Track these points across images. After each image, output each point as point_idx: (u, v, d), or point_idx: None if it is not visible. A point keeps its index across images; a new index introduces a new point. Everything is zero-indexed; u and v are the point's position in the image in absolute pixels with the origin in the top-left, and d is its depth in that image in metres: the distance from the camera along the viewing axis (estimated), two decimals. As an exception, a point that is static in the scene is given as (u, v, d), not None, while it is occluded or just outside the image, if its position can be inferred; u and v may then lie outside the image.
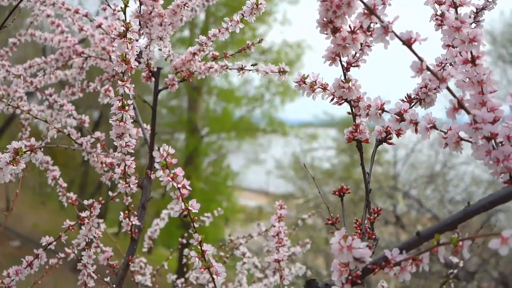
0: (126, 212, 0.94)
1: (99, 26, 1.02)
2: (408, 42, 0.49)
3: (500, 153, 0.49)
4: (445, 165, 7.31)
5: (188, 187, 0.61)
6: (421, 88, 0.66)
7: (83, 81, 1.19)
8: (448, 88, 0.50)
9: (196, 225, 0.64)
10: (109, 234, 1.31)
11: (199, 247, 0.63)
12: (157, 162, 0.59)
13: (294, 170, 10.70)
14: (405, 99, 0.67)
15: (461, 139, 0.53)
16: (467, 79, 0.53)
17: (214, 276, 0.63)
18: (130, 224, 0.95)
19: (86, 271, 0.91)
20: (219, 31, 0.90)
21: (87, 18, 1.08)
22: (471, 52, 0.52)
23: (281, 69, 0.83)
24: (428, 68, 0.49)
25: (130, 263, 0.97)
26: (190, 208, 0.62)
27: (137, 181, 0.89)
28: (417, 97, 0.66)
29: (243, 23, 0.88)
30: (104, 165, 1.00)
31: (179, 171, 0.61)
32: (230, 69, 0.95)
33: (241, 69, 0.94)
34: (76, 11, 1.07)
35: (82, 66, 1.17)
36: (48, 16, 1.18)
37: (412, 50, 0.49)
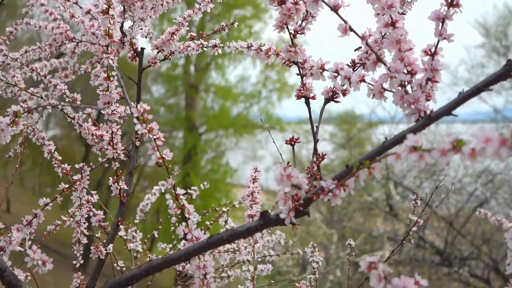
0: (115, 177, 1.05)
1: (88, 12, 1.13)
2: (335, 8, 0.60)
3: (411, 97, 0.60)
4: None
5: (162, 139, 0.72)
6: (363, 53, 0.77)
7: (75, 64, 1.30)
8: (368, 45, 0.61)
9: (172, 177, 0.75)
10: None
11: (173, 191, 0.74)
12: (135, 117, 0.70)
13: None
14: (350, 64, 0.78)
15: (384, 89, 0.64)
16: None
17: (187, 215, 0.74)
18: (119, 188, 1.05)
19: (80, 228, 1.02)
20: (193, 12, 1.01)
21: (77, 5, 1.19)
22: (390, 16, 0.63)
23: (249, 45, 0.93)
24: (351, 29, 0.60)
25: (119, 224, 1.08)
26: (164, 156, 0.72)
27: (123, 147, 1.00)
28: (360, 61, 0.77)
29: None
30: (94, 137, 1.11)
31: (155, 125, 0.72)
32: (205, 47, 1.06)
33: (214, 46, 1.05)
34: (67, -1, 1.18)
35: (73, 51, 1.27)
36: (42, 5, 1.29)
37: (338, 14, 0.60)
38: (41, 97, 1.08)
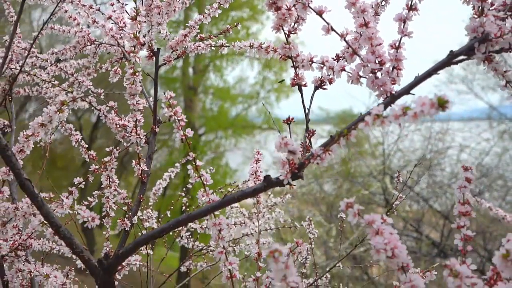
0: (137, 159, 1.22)
1: (109, 17, 1.30)
2: (319, 13, 0.77)
3: (380, 82, 0.78)
4: (436, 152, 7.62)
5: (185, 120, 0.89)
6: (345, 48, 0.94)
7: (96, 63, 1.47)
8: (346, 41, 0.78)
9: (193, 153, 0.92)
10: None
11: (194, 163, 0.91)
12: (163, 102, 0.87)
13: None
14: (334, 57, 0.95)
15: (360, 76, 0.81)
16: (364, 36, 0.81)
17: (205, 182, 0.91)
18: (141, 169, 1.22)
19: (109, 203, 1.19)
20: (203, 16, 1.18)
21: (99, 12, 1.36)
22: (364, 19, 0.80)
23: (251, 44, 1.10)
24: (332, 29, 0.77)
25: (141, 200, 1.25)
26: (186, 133, 0.89)
27: (145, 134, 1.17)
28: (343, 55, 0.94)
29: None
30: (118, 126, 1.28)
31: (179, 109, 0.89)
32: (213, 47, 1.24)
33: (221, 46, 1.22)
34: (90, 7, 1.35)
35: (95, 52, 1.44)
36: (66, 11, 1.46)
37: (322, 18, 0.77)
38: (72, 92, 1.25)
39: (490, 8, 0.73)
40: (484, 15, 0.70)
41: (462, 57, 0.72)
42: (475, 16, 0.71)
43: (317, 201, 7.50)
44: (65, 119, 1.41)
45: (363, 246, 6.03)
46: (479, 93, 9.18)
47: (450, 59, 0.71)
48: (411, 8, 0.78)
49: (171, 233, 1.65)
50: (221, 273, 0.93)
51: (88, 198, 1.38)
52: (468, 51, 0.70)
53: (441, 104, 0.55)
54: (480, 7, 0.70)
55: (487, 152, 7.51)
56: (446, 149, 7.32)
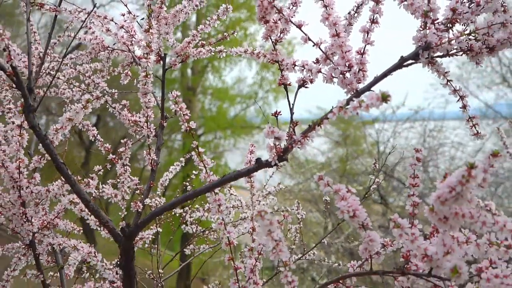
0: (148, 150, 1.40)
1: (122, 27, 1.48)
2: (299, 26, 0.96)
3: (348, 81, 0.96)
4: (431, 149, 7.82)
5: (189, 114, 1.08)
6: (321, 55, 1.13)
7: (109, 67, 1.66)
8: (320, 49, 0.97)
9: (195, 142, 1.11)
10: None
11: (197, 150, 1.10)
12: (170, 100, 1.06)
13: (290, 165, 11.08)
14: (314, 61, 1.13)
15: (333, 76, 1.00)
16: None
17: (206, 165, 1.09)
18: (151, 159, 1.41)
19: (123, 188, 1.37)
20: (204, 26, 1.37)
21: (113, 22, 1.54)
22: (335, 30, 0.99)
23: (245, 50, 1.29)
24: (309, 38, 0.96)
25: (151, 186, 1.43)
26: (190, 125, 1.08)
27: (155, 127, 1.35)
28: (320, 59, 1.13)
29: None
30: (130, 122, 1.46)
31: (183, 105, 1.07)
32: (213, 52, 1.42)
33: (220, 51, 1.41)
34: (105, 17, 1.53)
35: (108, 57, 1.63)
36: (82, 21, 1.64)
37: (301, 30, 0.96)
38: (90, 92, 1.44)
39: (435, 22, 0.91)
40: (427, 27, 0.89)
41: (410, 61, 0.91)
42: (420, 29, 0.90)
43: (315, 198, 7.69)
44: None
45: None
46: (474, 91, 9.35)
47: (401, 63, 0.90)
48: (373, 21, 0.97)
49: (176, 214, 1.84)
50: (221, 272, 1.11)
51: (103, 185, 1.57)
52: (414, 56, 0.89)
53: (384, 98, 0.74)
54: (424, 21, 0.89)
55: (480, 149, 7.71)
56: (439, 146, 7.52)
